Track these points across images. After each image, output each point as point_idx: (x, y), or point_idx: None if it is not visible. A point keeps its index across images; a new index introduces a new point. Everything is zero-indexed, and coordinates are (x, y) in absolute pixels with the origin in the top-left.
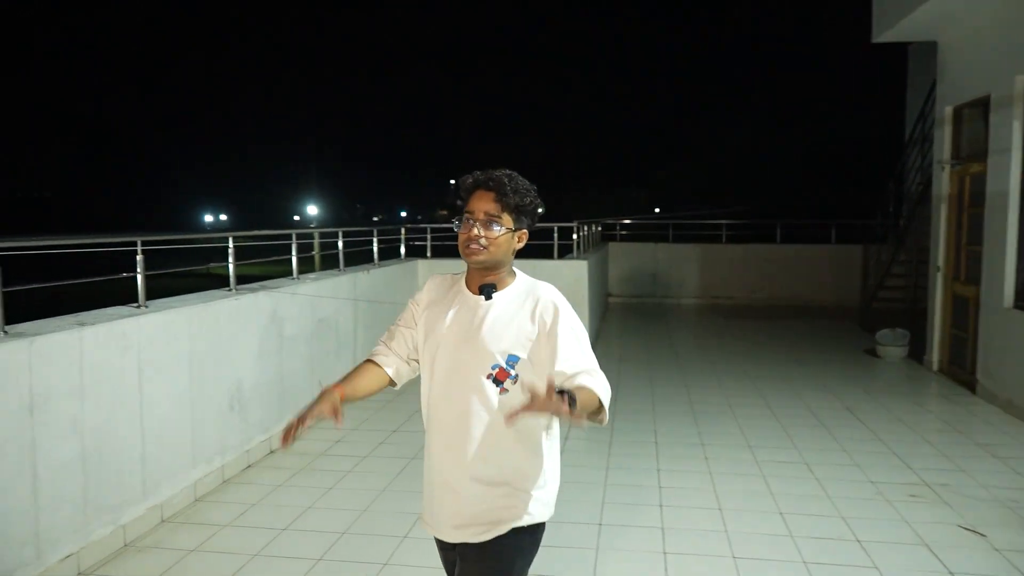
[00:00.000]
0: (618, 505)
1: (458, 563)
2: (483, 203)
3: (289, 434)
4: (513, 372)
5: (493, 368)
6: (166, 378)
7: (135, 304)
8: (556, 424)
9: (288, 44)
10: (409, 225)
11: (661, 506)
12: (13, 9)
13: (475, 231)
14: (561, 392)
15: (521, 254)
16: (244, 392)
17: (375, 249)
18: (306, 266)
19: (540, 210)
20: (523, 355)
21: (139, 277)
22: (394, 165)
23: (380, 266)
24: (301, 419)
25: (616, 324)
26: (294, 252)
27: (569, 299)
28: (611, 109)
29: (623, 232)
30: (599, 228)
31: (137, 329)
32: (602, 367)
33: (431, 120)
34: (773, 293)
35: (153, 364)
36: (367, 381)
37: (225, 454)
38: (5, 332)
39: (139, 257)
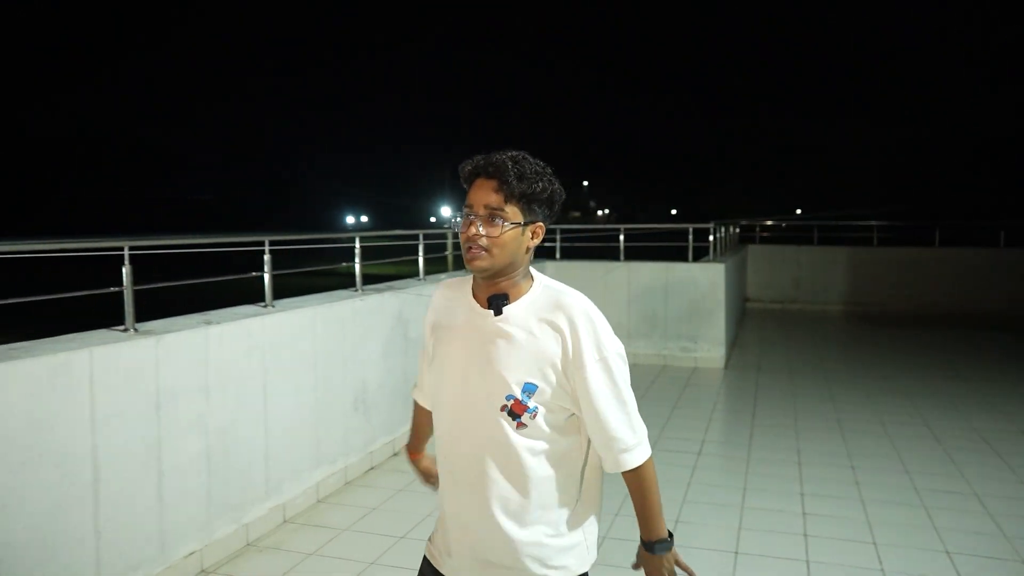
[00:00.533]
0: (756, 532)
1: None
2: (483, 194)
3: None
4: (532, 404)
5: (508, 399)
6: (291, 377)
7: (262, 304)
8: (593, 461)
9: (431, 50)
10: None
11: (805, 535)
12: (171, 23)
13: (474, 229)
14: (648, 546)
15: (650, 255)
16: (369, 393)
17: None
18: (437, 267)
19: (559, 197)
20: (542, 384)
21: (266, 277)
22: None
23: None
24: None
25: (754, 331)
26: (420, 253)
27: (704, 305)
28: (746, 107)
29: (764, 234)
30: (737, 230)
31: (262, 328)
32: (739, 376)
33: (569, 119)
34: (930, 300)
35: (278, 363)
36: (427, 429)
37: (348, 455)
38: (136, 330)
39: (266, 257)
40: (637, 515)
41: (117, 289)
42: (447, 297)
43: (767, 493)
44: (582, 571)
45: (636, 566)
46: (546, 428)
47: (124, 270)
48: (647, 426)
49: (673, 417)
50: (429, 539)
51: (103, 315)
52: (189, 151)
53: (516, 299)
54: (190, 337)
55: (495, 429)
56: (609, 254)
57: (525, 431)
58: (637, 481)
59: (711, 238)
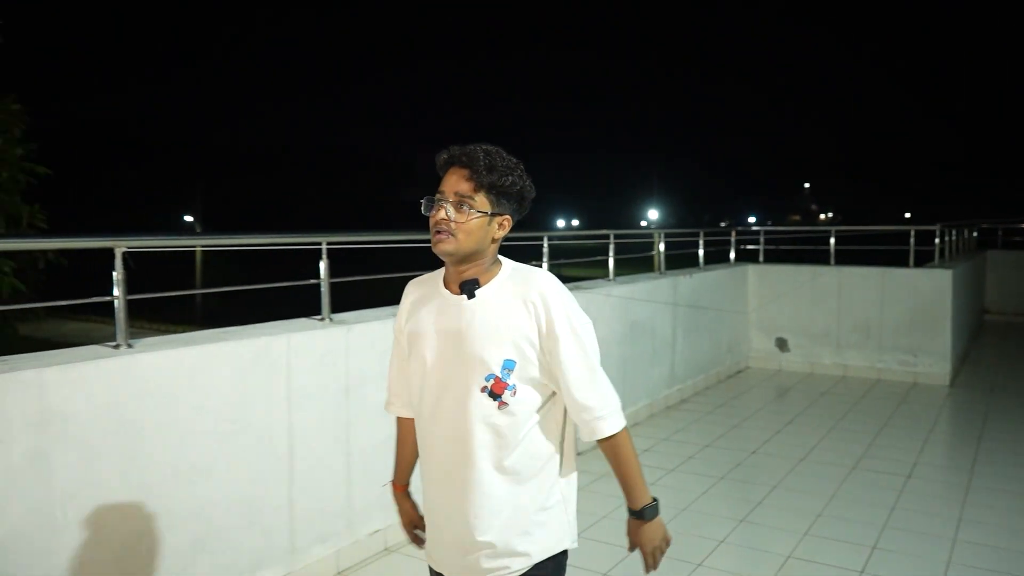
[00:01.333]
0: (970, 570)
1: None
2: (454, 181)
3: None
4: (511, 381)
5: (488, 379)
6: None
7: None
8: (569, 435)
9: (648, 54)
10: (740, 228)
11: None
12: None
13: (442, 213)
14: (638, 513)
15: (868, 260)
16: None
17: (700, 252)
18: (642, 268)
19: (528, 194)
20: (520, 360)
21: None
22: (745, 171)
23: (705, 270)
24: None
25: (991, 346)
26: (611, 253)
27: (927, 315)
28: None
29: (1014, 238)
30: (975, 233)
31: None
32: (966, 396)
33: (784, 125)
34: None
35: None
36: (411, 452)
37: None
38: (331, 319)
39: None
40: (621, 485)
41: (315, 281)
42: (417, 293)
43: (987, 527)
44: (565, 547)
45: (632, 547)
46: (526, 405)
47: (321, 264)
48: (850, 441)
49: (882, 435)
50: (426, 549)
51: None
52: (411, 157)
53: (486, 283)
54: (379, 328)
55: (476, 411)
56: (820, 259)
57: (506, 410)
58: (614, 450)
59: (936, 242)
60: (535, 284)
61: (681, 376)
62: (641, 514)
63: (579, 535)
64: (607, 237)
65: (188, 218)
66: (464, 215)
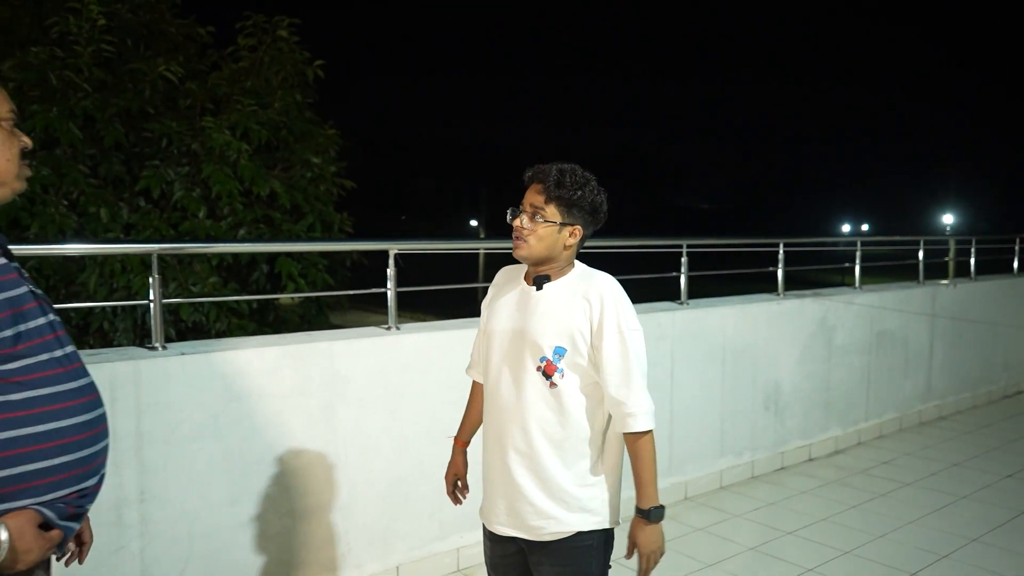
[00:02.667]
0: None
1: (531, 564)
2: (531, 195)
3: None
4: (560, 365)
5: (541, 361)
6: (697, 369)
7: (678, 301)
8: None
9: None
10: None
11: None
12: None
13: (518, 222)
14: (644, 513)
15: None
16: (782, 394)
17: (972, 261)
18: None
19: (600, 207)
20: (571, 349)
21: (682, 277)
22: None
23: (975, 280)
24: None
25: None
26: (857, 260)
27: None
28: None
29: None
30: None
31: (672, 322)
32: None
33: None
34: None
35: (685, 354)
36: (478, 416)
37: (756, 451)
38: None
39: (683, 259)
40: (635, 482)
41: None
42: (503, 280)
43: None
44: (604, 526)
45: (630, 548)
46: (573, 389)
47: (388, 271)
48: None
49: None
50: (479, 509)
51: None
52: (693, 164)
53: (556, 280)
54: None
55: (531, 387)
56: None
57: (555, 391)
58: (636, 447)
59: None
60: (596, 285)
61: (940, 391)
62: (647, 514)
63: (793, 531)
64: (853, 244)
65: (473, 223)
66: (536, 224)
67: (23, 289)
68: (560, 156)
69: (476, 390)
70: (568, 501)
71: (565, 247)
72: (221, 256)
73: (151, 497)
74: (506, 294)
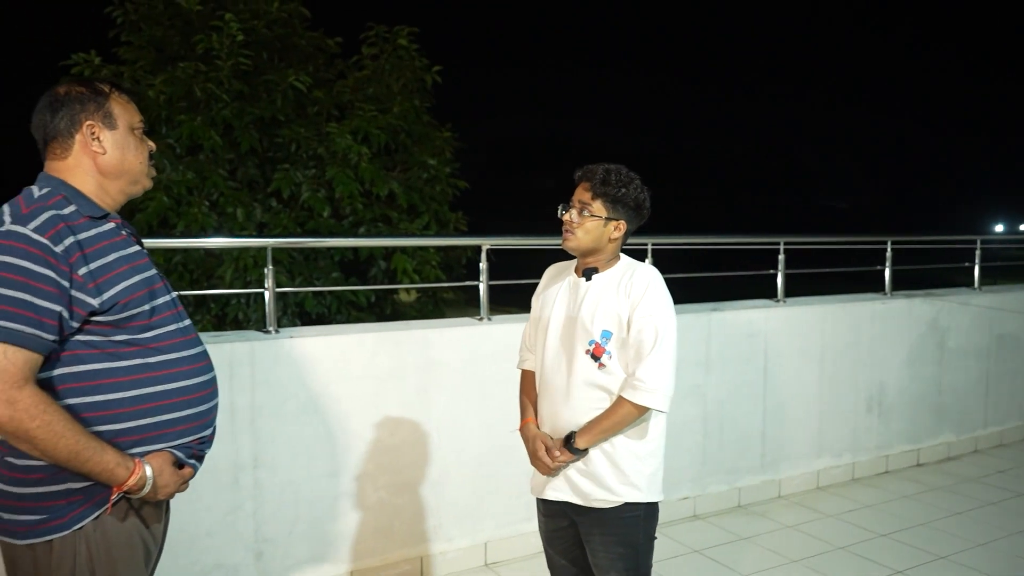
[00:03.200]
0: None
1: (582, 535)
2: (579, 192)
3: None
4: (608, 348)
5: (590, 344)
6: (793, 367)
7: (775, 299)
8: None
9: None
10: None
11: None
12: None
13: (567, 217)
14: (571, 443)
15: None
16: (887, 397)
17: None
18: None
19: (644, 204)
20: (617, 333)
21: (779, 275)
22: None
23: None
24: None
25: None
26: (977, 259)
27: None
28: None
29: None
30: None
31: (766, 319)
32: None
33: None
34: None
35: (780, 352)
36: (534, 394)
37: (857, 453)
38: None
39: (780, 257)
40: (588, 423)
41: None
42: (554, 273)
43: None
44: (648, 499)
45: (545, 447)
46: (619, 369)
47: (481, 266)
48: None
49: None
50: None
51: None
52: (834, 162)
53: (603, 272)
54: (692, 320)
55: (581, 368)
56: None
57: (604, 371)
58: (621, 409)
59: None
60: (637, 275)
61: None
62: (572, 445)
63: (887, 534)
64: (973, 242)
65: None
66: (583, 218)
67: (153, 271)
68: (689, 157)
69: (527, 380)
70: (616, 475)
71: (610, 240)
72: (343, 253)
73: (263, 464)
74: (556, 287)
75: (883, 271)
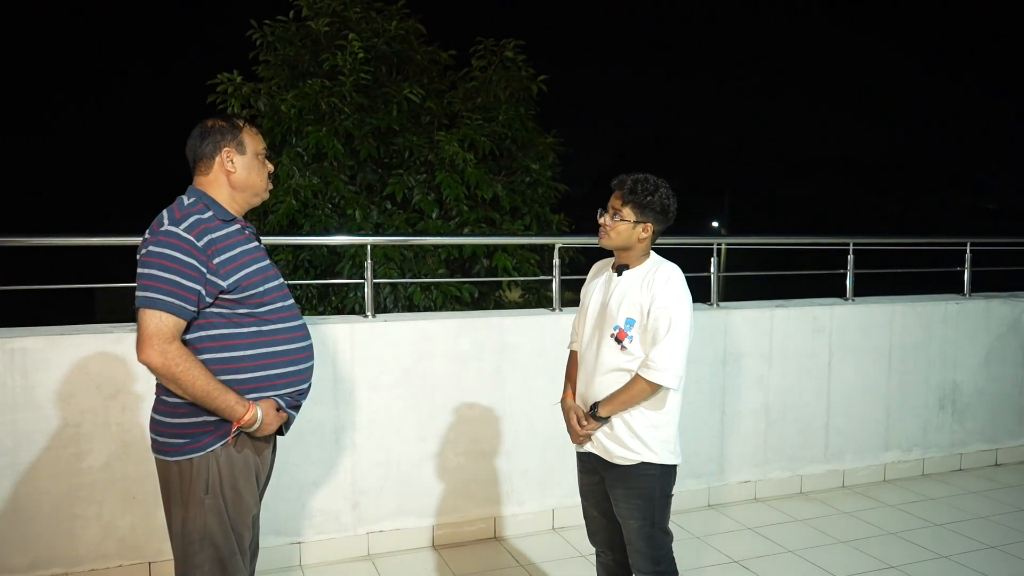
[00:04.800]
0: None
1: (608, 487)
2: (613, 199)
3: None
4: (630, 333)
5: (615, 329)
6: (858, 362)
7: (844, 297)
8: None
9: None
10: None
11: None
12: None
13: (603, 220)
14: (594, 411)
15: None
16: (961, 396)
17: None
18: None
19: (669, 208)
20: (638, 320)
21: (848, 275)
22: None
23: None
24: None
25: None
26: None
27: None
28: None
29: None
30: None
31: (830, 315)
32: None
33: None
34: None
35: (845, 347)
36: (576, 371)
37: (927, 449)
38: (719, 305)
39: (849, 257)
40: (609, 396)
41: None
42: (598, 269)
43: None
44: (662, 461)
45: (578, 416)
46: (639, 351)
47: (712, 261)
48: None
49: None
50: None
51: None
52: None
53: (633, 268)
54: (756, 315)
55: (607, 349)
56: None
57: (625, 352)
58: (636, 385)
59: None
60: (660, 272)
61: None
62: (595, 413)
63: (948, 524)
64: None
65: (714, 223)
66: (616, 221)
67: (267, 262)
68: (826, 158)
69: (572, 359)
70: (633, 438)
71: (639, 240)
72: (448, 251)
73: (360, 427)
74: (597, 280)
75: (962, 272)
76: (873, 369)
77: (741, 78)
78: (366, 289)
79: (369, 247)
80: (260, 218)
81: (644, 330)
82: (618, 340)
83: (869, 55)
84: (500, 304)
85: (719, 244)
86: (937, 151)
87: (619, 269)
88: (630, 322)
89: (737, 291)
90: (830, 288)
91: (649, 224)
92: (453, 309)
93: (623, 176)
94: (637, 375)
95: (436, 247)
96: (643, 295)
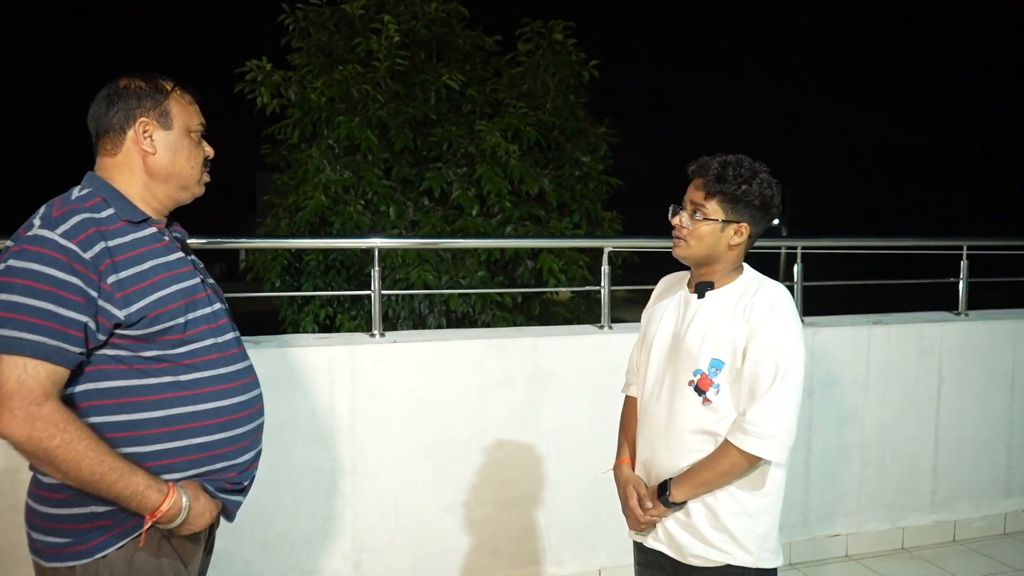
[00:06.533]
0: None
1: None
2: (691, 190)
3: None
4: (716, 380)
5: (695, 374)
6: (974, 390)
7: (955, 311)
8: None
9: None
10: None
11: None
12: None
13: (677, 220)
14: (664, 493)
15: None
16: None
17: None
18: None
19: (771, 202)
20: (730, 362)
21: (961, 284)
22: None
23: None
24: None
25: None
26: None
27: None
28: None
29: None
30: None
31: (940, 334)
32: None
33: None
34: None
35: (958, 372)
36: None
37: None
38: (803, 321)
39: (963, 263)
40: (687, 471)
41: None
42: (666, 286)
43: None
44: (756, 565)
45: (640, 496)
46: (728, 407)
47: (795, 267)
48: None
49: None
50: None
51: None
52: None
53: (720, 287)
54: (850, 334)
55: (683, 404)
56: None
57: (709, 407)
58: (726, 458)
59: None
60: (761, 295)
61: None
62: (664, 495)
63: None
64: None
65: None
66: (697, 222)
67: (195, 281)
68: (883, 151)
69: (629, 408)
70: (722, 532)
71: (730, 247)
72: (489, 252)
73: (363, 471)
74: (666, 303)
75: None
76: (993, 399)
77: (796, 72)
78: (373, 301)
79: (376, 251)
80: (290, 216)
81: (738, 377)
82: (700, 390)
83: (917, 53)
84: (548, 305)
85: (802, 248)
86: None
87: (700, 289)
88: (717, 365)
89: (816, 305)
90: (926, 300)
91: (744, 225)
92: (494, 314)
93: (706, 158)
94: (727, 443)
95: (465, 250)
96: (736, 327)
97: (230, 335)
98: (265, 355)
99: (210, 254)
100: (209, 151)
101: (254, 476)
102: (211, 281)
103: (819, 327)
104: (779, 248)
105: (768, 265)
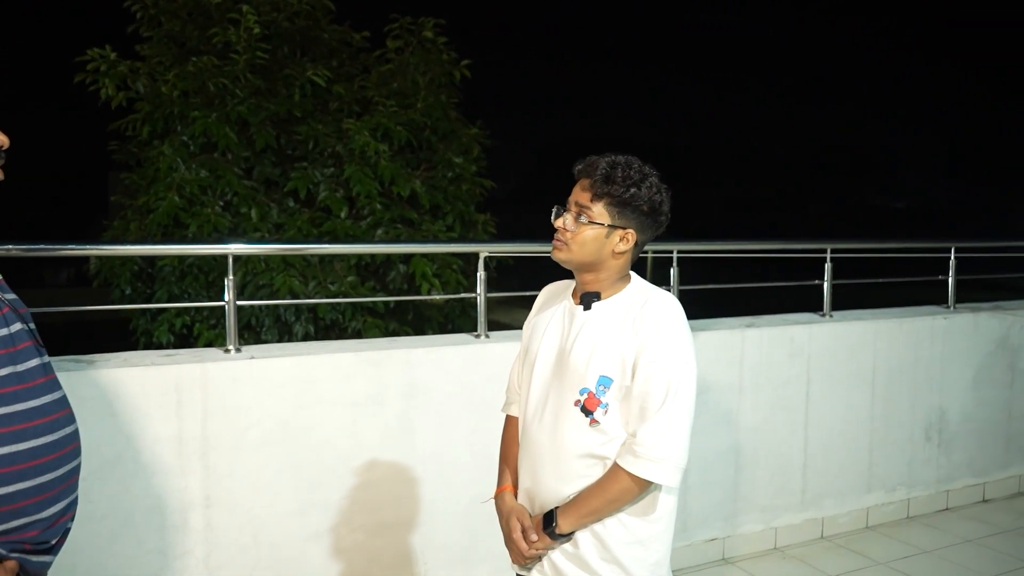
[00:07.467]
0: None
1: None
2: (577, 191)
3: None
4: (604, 399)
5: (582, 393)
6: (840, 390)
7: (820, 312)
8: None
9: None
10: None
11: None
12: None
13: (559, 222)
14: (551, 526)
15: None
16: (948, 423)
17: None
18: None
19: (659, 208)
20: (619, 379)
21: (825, 285)
22: None
23: None
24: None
25: None
26: None
27: None
28: None
29: None
30: None
31: (809, 336)
32: None
33: None
34: None
35: (825, 373)
36: (517, 449)
37: (912, 487)
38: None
39: (827, 265)
40: (574, 499)
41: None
42: (549, 296)
43: None
44: None
45: (523, 527)
46: (618, 429)
47: (672, 271)
48: None
49: None
50: None
51: None
52: (892, 157)
53: (608, 297)
54: (723, 338)
55: (569, 425)
56: None
57: (597, 428)
58: (615, 483)
59: None
60: (650, 306)
61: None
62: (551, 528)
63: None
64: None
65: None
66: (580, 225)
67: None
68: (740, 157)
69: (510, 430)
70: (611, 562)
71: (614, 254)
72: (359, 256)
73: (217, 502)
74: (548, 314)
75: (946, 281)
76: (856, 397)
77: (683, 70)
78: (228, 313)
79: (231, 258)
80: (140, 218)
81: (627, 395)
82: (587, 411)
83: (779, 46)
84: (421, 309)
85: (678, 252)
86: (849, 147)
87: (586, 300)
88: (605, 383)
89: (688, 306)
90: (783, 302)
91: (631, 232)
92: (365, 321)
93: (594, 158)
94: (617, 467)
95: (332, 256)
96: (625, 341)
97: (34, 362)
98: (100, 377)
99: (56, 260)
100: (3, 140)
101: (68, 530)
102: (10, 296)
103: (695, 331)
104: (669, 251)
105: (636, 267)
